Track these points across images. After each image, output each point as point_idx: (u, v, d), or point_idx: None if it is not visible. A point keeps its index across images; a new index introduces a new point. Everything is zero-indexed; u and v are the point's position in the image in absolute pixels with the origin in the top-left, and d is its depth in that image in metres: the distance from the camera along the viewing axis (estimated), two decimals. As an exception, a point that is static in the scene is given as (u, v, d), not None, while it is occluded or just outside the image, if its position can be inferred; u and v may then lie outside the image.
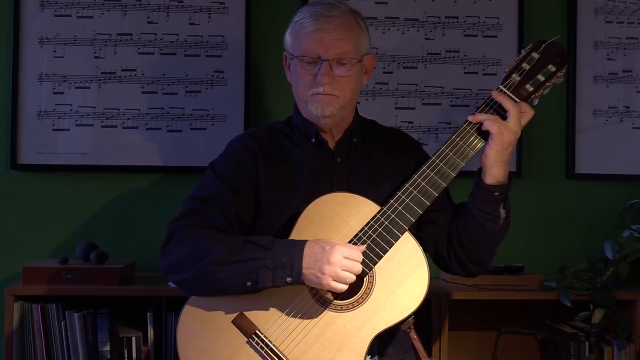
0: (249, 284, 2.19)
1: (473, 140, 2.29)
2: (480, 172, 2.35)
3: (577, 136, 3.52)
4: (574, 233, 3.54)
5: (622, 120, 3.55)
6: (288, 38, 2.43)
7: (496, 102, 2.30)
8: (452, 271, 2.52)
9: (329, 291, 2.21)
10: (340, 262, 2.14)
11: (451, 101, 3.48)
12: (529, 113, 2.30)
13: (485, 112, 2.29)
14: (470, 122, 2.29)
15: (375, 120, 2.61)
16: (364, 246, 2.21)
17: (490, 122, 2.25)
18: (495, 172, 2.31)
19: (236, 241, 2.24)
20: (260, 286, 2.19)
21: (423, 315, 3.05)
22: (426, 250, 2.50)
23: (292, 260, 2.16)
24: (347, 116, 2.46)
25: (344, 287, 2.16)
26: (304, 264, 2.15)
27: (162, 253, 2.34)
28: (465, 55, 3.49)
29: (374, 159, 2.46)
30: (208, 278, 2.23)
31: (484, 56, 3.50)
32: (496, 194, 2.33)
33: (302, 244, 2.18)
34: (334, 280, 2.14)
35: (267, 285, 2.18)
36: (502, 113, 2.28)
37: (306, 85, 2.37)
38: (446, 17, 3.49)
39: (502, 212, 2.37)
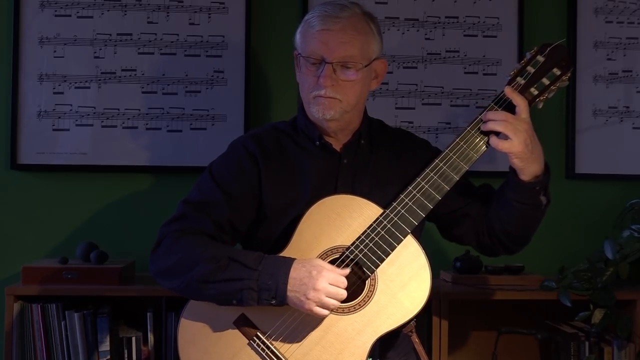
0: (234, 302, 2.20)
1: (477, 144, 2.28)
2: (514, 170, 2.33)
3: (577, 136, 3.52)
4: (574, 233, 3.55)
5: (622, 120, 3.55)
6: (297, 37, 2.40)
7: (504, 102, 2.29)
8: (496, 255, 2.53)
9: None
10: (325, 289, 2.14)
11: (451, 101, 3.48)
12: (523, 104, 2.27)
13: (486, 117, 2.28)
14: (475, 126, 2.28)
15: (382, 121, 2.60)
16: (348, 269, 2.20)
17: (501, 124, 2.23)
18: (529, 171, 2.29)
19: (223, 257, 2.22)
20: (245, 305, 2.19)
21: (423, 316, 3.05)
22: (468, 243, 2.53)
23: (277, 283, 2.15)
24: (354, 120, 2.43)
25: (327, 312, 2.17)
26: (289, 287, 2.15)
27: (152, 258, 2.34)
28: (465, 55, 3.49)
29: (380, 161, 2.44)
30: (194, 292, 2.25)
31: (484, 56, 3.49)
32: (537, 188, 2.32)
33: (288, 264, 2.18)
34: (317, 306, 2.14)
35: (252, 305, 2.18)
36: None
37: (310, 87, 2.34)
38: (446, 17, 3.49)
39: (544, 199, 2.36)
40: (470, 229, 2.48)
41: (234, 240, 2.44)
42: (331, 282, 2.14)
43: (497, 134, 2.26)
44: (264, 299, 2.16)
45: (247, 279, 2.17)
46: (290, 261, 2.18)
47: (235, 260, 2.21)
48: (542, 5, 3.55)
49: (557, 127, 3.55)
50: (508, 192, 2.36)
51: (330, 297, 2.14)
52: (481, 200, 2.48)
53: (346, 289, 2.18)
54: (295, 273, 2.16)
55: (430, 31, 3.49)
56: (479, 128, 2.28)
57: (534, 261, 3.42)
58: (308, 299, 2.13)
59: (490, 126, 2.25)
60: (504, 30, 3.51)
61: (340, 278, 2.16)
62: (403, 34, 3.48)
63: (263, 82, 3.45)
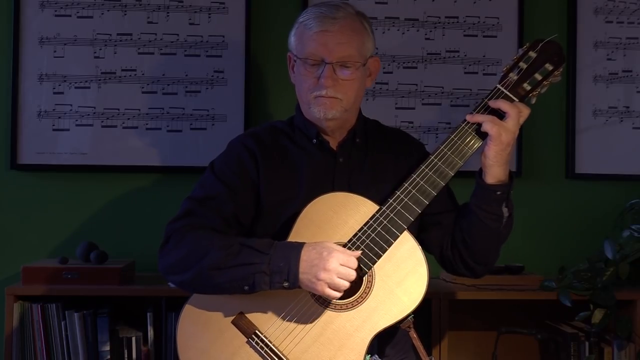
0: (246, 287, 2.19)
1: (471, 140, 2.28)
2: (481, 172, 2.34)
3: (577, 136, 3.52)
4: (574, 233, 3.54)
5: (622, 120, 3.55)
6: (292, 39, 2.42)
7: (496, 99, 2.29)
8: (457, 272, 2.51)
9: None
10: (336, 269, 2.13)
11: (451, 101, 3.48)
12: (525, 112, 2.28)
13: (483, 112, 2.29)
14: (469, 122, 2.29)
15: (378, 121, 2.61)
16: (360, 252, 2.21)
17: (489, 124, 2.24)
18: (495, 172, 2.30)
19: (233, 244, 2.23)
20: (257, 290, 2.19)
21: (423, 315, 3.05)
22: (431, 252, 2.50)
23: (288, 265, 2.15)
24: (350, 118, 2.45)
25: (338, 294, 2.16)
26: (301, 269, 2.15)
27: (160, 254, 2.34)
28: (465, 55, 3.49)
29: (376, 160, 2.45)
30: (205, 281, 2.24)
31: (484, 56, 3.50)
32: (498, 193, 2.32)
33: (299, 247, 2.18)
34: (329, 287, 2.14)
35: (264, 289, 2.18)
36: (499, 112, 2.27)
37: (309, 88, 2.36)
38: (446, 17, 3.49)
39: (505, 210, 2.36)
40: (436, 238, 2.48)
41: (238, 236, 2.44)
42: (342, 262, 2.14)
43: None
44: (276, 282, 2.16)
45: (259, 263, 2.17)
46: (301, 244, 2.19)
47: (246, 246, 2.21)
48: (542, 5, 3.56)
49: (557, 127, 3.55)
50: (472, 198, 2.38)
51: (342, 278, 2.14)
52: (455, 215, 2.48)
53: None
54: (306, 255, 2.15)
55: (430, 31, 3.49)
56: (472, 124, 2.28)
57: (534, 261, 3.43)
58: (319, 279, 2.13)
59: (498, 103, 2.25)
60: (504, 30, 3.51)
61: (351, 259, 2.16)
62: (403, 34, 3.48)
63: (263, 82, 3.45)
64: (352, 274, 2.15)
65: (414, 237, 2.27)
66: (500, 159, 2.28)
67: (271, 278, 2.16)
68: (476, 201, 2.36)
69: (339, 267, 2.13)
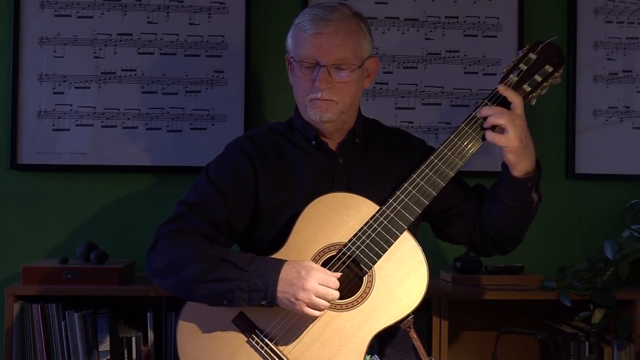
0: (225, 302, 2.20)
1: (471, 141, 2.28)
2: (506, 166, 2.34)
3: (577, 136, 3.52)
4: (574, 233, 3.54)
5: (622, 120, 3.55)
6: (289, 41, 2.41)
7: (497, 99, 2.29)
8: (488, 254, 2.53)
9: None
10: (315, 289, 2.14)
11: (451, 101, 3.48)
12: (518, 101, 2.28)
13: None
14: (469, 122, 2.29)
15: (377, 120, 2.60)
16: (340, 274, 2.21)
17: (497, 115, 2.24)
18: (521, 167, 2.30)
19: (215, 257, 2.23)
20: (236, 306, 2.20)
21: (423, 315, 3.05)
22: (460, 242, 2.54)
23: (267, 284, 2.16)
24: (349, 120, 2.44)
25: (318, 313, 2.17)
26: (279, 288, 2.15)
27: (148, 257, 2.36)
28: (465, 55, 3.49)
29: (376, 160, 2.45)
30: (186, 291, 2.26)
31: (484, 56, 3.50)
32: (528, 184, 2.33)
33: (279, 266, 2.18)
34: (307, 306, 2.14)
35: (243, 305, 2.20)
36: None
37: (305, 90, 2.35)
38: (446, 17, 3.49)
39: (535, 196, 2.37)
40: (462, 228, 2.49)
41: (230, 241, 2.44)
42: (321, 282, 2.14)
43: (492, 128, 2.27)
44: (254, 300, 2.17)
45: (238, 280, 2.18)
46: (281, 262, 2.19)
47: (227, 261, 2.21)
48: (542, 5, 3.55)
49: (557, 127, 3.55)
50: (500, 189, 2.38)
51: (320, 298, 2.14)
52: (474, 200, 2.49)
53: (344, 286, 2.18)
54: (284, 274, 2.16)
55: (430, 31, 3.49)
56: (473, 124, 2.29)
57: (534, 261, 3.42)
58: (297, 299, 2.14)
59: (491, 120, 2.26)
60: (504, 30, 3.51)
61: (331, 278, 2.16)
62: (403, 34, 3.48)
63: (263, 82, 3.45)
64: (331, 293, 2.15)
65: (414, 237, 2.27)
66: (522, 154, 2.28)
67: (249, 295, 2.17)
68: (506, 192, 2.35)
69: (317, 286, 2.14)
